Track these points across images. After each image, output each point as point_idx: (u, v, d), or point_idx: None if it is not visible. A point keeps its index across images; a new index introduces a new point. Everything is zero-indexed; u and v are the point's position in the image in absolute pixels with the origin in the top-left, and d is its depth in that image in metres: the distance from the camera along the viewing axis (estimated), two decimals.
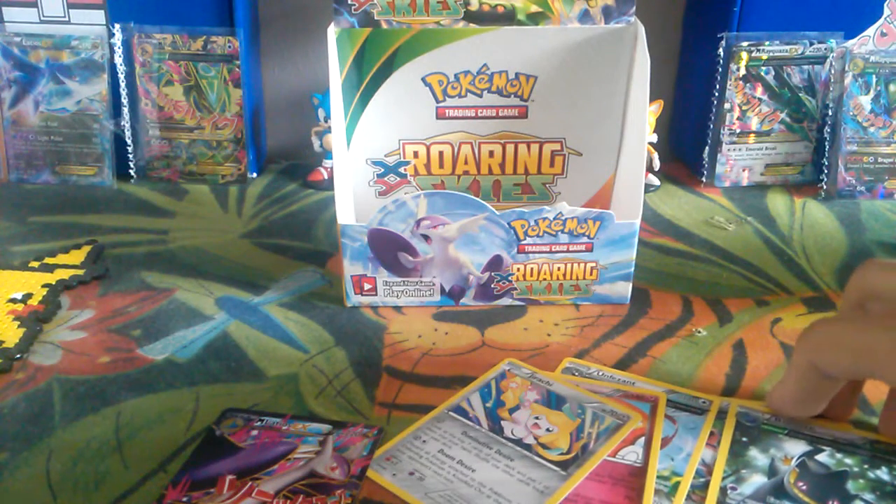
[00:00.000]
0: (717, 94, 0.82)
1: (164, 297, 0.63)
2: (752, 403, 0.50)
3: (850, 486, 0.43)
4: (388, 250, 0.59)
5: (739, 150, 0.84)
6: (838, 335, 0.41)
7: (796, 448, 0.46)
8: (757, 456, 0.45)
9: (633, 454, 0.45)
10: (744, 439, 0.46)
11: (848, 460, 0.45)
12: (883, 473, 0.44)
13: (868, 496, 0.42)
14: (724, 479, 0.43)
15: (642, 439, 0.47)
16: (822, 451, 0.45)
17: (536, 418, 0.48)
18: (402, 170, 0.70)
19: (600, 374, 0.53)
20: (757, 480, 0.43)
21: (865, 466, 0.44)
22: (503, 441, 0.46)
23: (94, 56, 0.81)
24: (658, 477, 0.43)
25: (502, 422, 0.48)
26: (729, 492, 0.43)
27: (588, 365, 0.54)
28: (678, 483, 0.43)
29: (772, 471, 0.44)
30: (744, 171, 0.85)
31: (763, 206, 0.81)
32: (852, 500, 0.42)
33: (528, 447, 0.46)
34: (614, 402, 0.49)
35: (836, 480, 0.43)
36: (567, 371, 0.54)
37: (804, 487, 0.43)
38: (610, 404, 0.49)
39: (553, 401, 0.50)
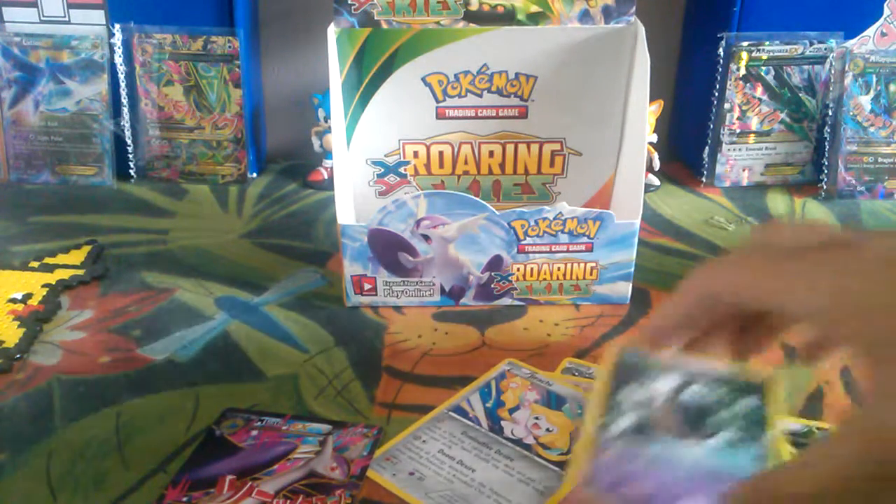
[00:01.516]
0: (717, 94, 0.82)
1: (164, 297, 0.63)
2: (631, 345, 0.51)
3: (717, 417, 0.44)
4: (388, 250, 0.59)
5: (739, 150, 0.84)
6: (753, 258, 0.37)
7: (667, 384, 0.46)
8: (629, 395, 0.45)
9: None
10: (617, 379, 0.47)
11: (714, 393, 0.45)
12: (750, 402, 0.44)
13: (734, 425, 0.43)
14: (597, 419, 0.44)
15: None
16: (691, 384, 0.46)
17: (536, 418, 0.48)
18: (402, 170, 0.70)
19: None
20: (629, 419, 0.44)
21: (731, 398, 0.45)
22: (503, 441, 0.46)
23: (94, 56, 0.81)
24: None
25: (502, 422, 0.48)
26: (601, 432, 0.43)
27: (588, 364, 0.54)
28: None
29: (642, 407, 0.44)
30: (744, 171, 0.85)
31: (763, 206, 0.81)
32: (720, 430, 0.43)
33: (528, 447, 0.46)
34: None
35: (704, 413, 0.44)
36: (567, 371, 0.54)
37: (674, 422, 0.43)
38: None
39: (553, 401, 0.50)
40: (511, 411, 0.49)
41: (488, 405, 0.49)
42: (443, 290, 0.61)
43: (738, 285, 0.35)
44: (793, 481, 0.28)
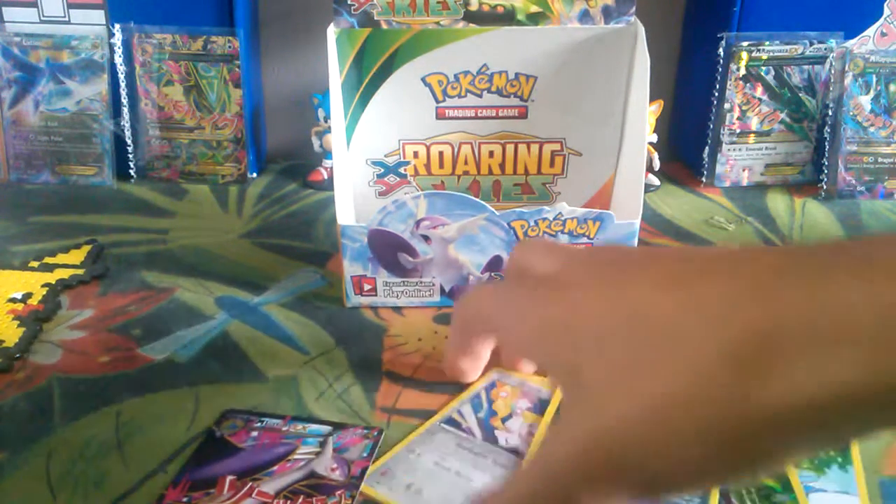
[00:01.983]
0: (717, 94, 0.82)
1: (164, 296, 0.63)
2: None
3: None
4: (388, 250, 0.59)
5: (739, 150, 0.84)
6: (479, 292, 0.39)
7: None
8: None
9: None
10: None
11: None
12: None
13: None
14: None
15: None
16: None
17: (530, 426, 0.48)
18: (402, 170, 0.70)
19: None
20: None
21: None
22: (499, 450, 0.46)
23: (94, 56, 0.81)
24: None
25: (496, 431, 0.48)
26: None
27: None
28: None
29: None
30: (744, 171, 0.85)
31: (763, 206, 0.81)
32: None
33: (523, 456, 0.46)
34: None
35: None
36: None
37: None
38: None
39: (545, 408, 0.50)
40: (504, 420, 0.49)
41: (480, 415, 0.49)
42: (443, 291, 0.61)
43: (475, 313, 0.38)
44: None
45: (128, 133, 0.83)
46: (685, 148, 0.91)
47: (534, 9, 0.64)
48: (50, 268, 0.66)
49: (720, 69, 0.81)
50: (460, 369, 0.47)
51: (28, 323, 0.58)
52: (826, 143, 0.83)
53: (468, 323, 0.40)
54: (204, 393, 0.52)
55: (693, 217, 0.78)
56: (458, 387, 0.52)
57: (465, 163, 0.70)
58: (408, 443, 0.47)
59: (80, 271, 0.66)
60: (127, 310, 0.61)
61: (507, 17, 0.64)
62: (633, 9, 0.64)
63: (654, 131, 0.84)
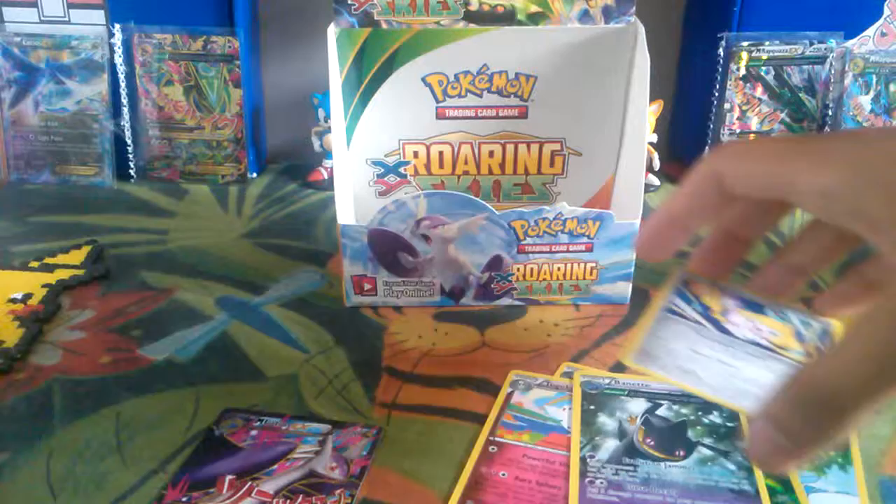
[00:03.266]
0: (717, 94, 0.82)
1: (164, 297, 0.63)
2: (593, 371, 0.53)
3: (691, 433, 0.46)
4: (388, 250, 0.59)
5: None
6: (761, 144, 0.33)
7: (638, 406, 0.49)
8: (606, 421, 0.48)
9: None
10: (591, 407, 0.49)
11: (684, 410, 0.48)
12: (715, 417, 0.47)
13: (707, 440, 0.46)
14: (581, 448, 0.46)
15: None
16: (661, 405, 0.49)
17: (754, 323, 0.43)
18: (402, 170, 0.70)
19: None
20: (610, 445, 0.46)
21: (699, 413, 0.48)
22: (743, 342, 0.40)
23: (94, 56, 0.81)
24: None
25: (724, 325, 0.43)
26: (588, 460, 0.45)
27: (582, 368, 0.54)
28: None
29: (621, 433, 0.47)
30: None
31: None
32: (695, 447, 0.45)
33: (769, 349, 0.41)
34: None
35: (678, 431, 0.47)
36: (566, 375, 0.53)
37: (652, 443, 0.46)
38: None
39: (754, 305, 0.45)
40: (723, 314, 0.44)
41: (697, 308, 0.43)
42: (443, 291, 0.61)
43: (745, 171, 0.32)
44: (840, 365, 0.26)
45: (128, 133, 0.83)
46: (685, 148, 0.91)
47: (534, 9, 0.64)
48: (50, 268, 0.66)
49: (720, 69, 0.81)
50: (666, 241, 0.37)
51: (28, 323, 0.58)
52: None
53: (734, 173, 0.33)
54: (204, 393, 0.52)
55: None
56: (459, 383, 0.52)
57: (465, 163, 0.70)
58: (649, 329, 0.40)
59: (80, 272, 0.66)
60: (127, 310, 0.61)
61: (507, 17, 0.64)
62: (633, 9, 0.64)
63: (654, 131, 0.84)
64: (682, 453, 0.45)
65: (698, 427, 0.47)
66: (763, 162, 0.31)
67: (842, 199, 0.28)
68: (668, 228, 0.36)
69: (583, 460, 0.45)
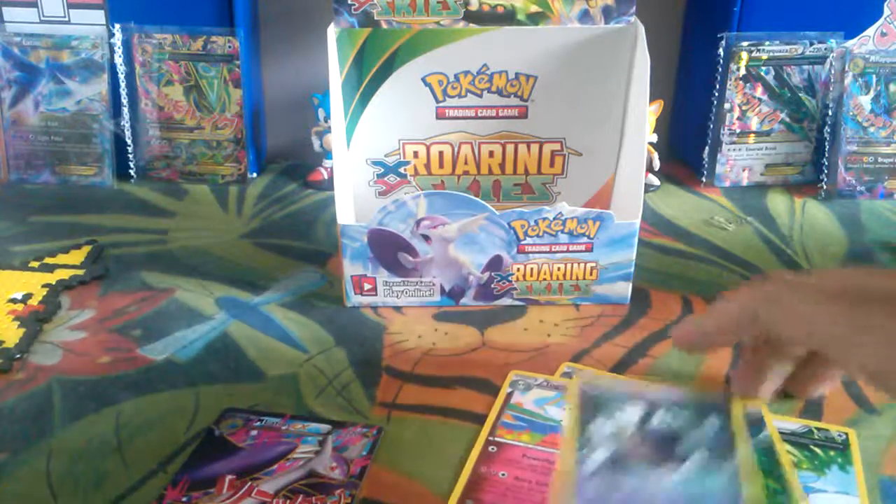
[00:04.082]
0: (717, 94, 0.82)
1: (164, 297, 0.63)
2: (590, 375, 0.52)
3: (686, 442, 0.45)
4: (388, 250, 0.59)
5: (739, 150, 0.84)
6: (800, 300, 0.39)
7: (633, 413, 0.47)
8: (599, 429, 0.46)
9: None
10: (586, 412, 0.47)
11: (678, 420, 0.46)
12: (710, 428, 0.46)
13: (700, 451, 0.44)
14: (577, 451, 0.44)
15: None
16: (657, 412, 0.47)
17: None
18: (402, 170, 0.70)
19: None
20: (600, 454, 0.44)
21: (697, 420, 0.46)
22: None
23: (94, 56, 0.81)
24: None
25: None
26: (577, 469, 0.43)
27: (586, 369, 0.54)
28: None
29: (613, 441, 0.45)
30: (744, 171, 0.85)
31: (763, 206, 0.81)
32: (688, 457, 0.44)
33: None
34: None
35: (671, 441, 0.45)
36: (566, 375, 0.53)
37: (644, 452, 0.44)
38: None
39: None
40: None
41: None
42: (443, 291, 0.61)
43: (791, 322, 0.38)
44: None
45: (128, 133, 0.83)
46: (685, 148, 0.91)
47: (534, 9, 0.64)
48: (50, 268, 0.66)
49: (720, 69, 0.81)
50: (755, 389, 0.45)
51: (28, 323, 0.58)
52: (826, 143, 0.83)
53: (754, 317, 0.40)
54: (204, 393, 0.52)
55: (693, 217, 0.78)
56: (459, 383, 0.52)
57: (465, 163, 0.70)
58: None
59: (80, 272, 0.66)
60: (127, 310, 0.61)
61: (507, 17, 0.64)
62: (633, 9, 0.64)
63: (654, 131, 0.84)
64: (673, 464, 0.44)
65: (692, 437, 0.45)
66: (804, 323, 0.38)
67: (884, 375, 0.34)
68: (701, 338, 0.45)
69: (576, 465, 0.44)
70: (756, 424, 0.49)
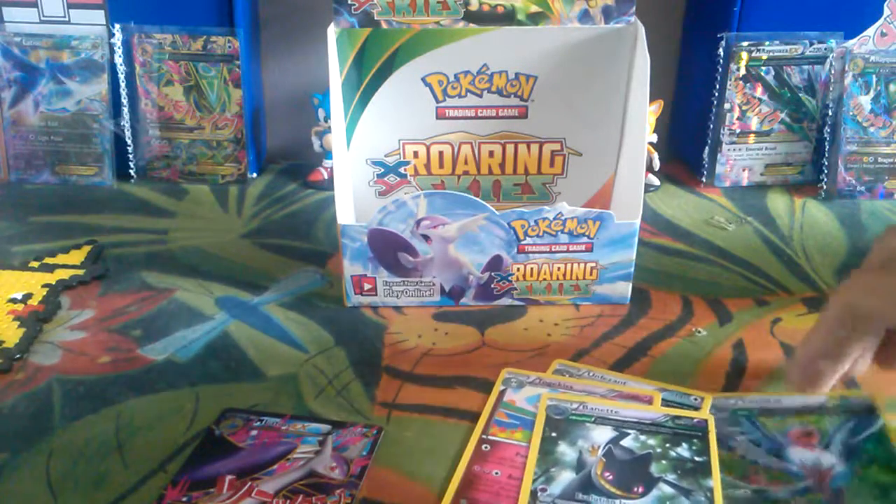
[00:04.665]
0: (717, 94, 0.82)
1: (164, 297, 0.63)
2: (562, 396, 0.50)
3: (654, 468, 0.43)
4: (388, 250, 0.59)
5: (739, 150, 0.84)
6: (885, 281, 0.43)
7: (602, 436, 0.46)
8: (566, 451, 0.45)
9: None
10: (553, 434, 0.46)
11: (651, 441, 0.45)
12: (683, 451, 0.44)
13: (670, 476, 0.43)
14: (534, 480, 0.43)
15: None
16: (627, 434, 0.46)
17: None
18: (402, 170, 0.70)
19: (591, 374, 0.53)
20: (566, 477, 0.43)
21: (667, 445, 0.45)
22: None
23: (94, 56, 0.81)
24: None
25: None
26: (539, 494, 0.42)
27: (578, 366, 0.54)
28: None
29: (580, 464, 0.44)
30: (744, 171, 0.85)
31: (763, 206, 0.81)
32: (656, 483, 0.42)
33: None
34: (614, 403, 0.49)
35: (640, 465, 0.44)
36: (558, 373, 0.53)
37: (610, 478, 0.43)
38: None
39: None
40: None
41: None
42: (443, 290, 0.61)
43: (883, 310, 0.42)
44: None
45: (128, 133, 0.83)
46: (685, 148, 0.91)
47: (534, 9, 0.64)
48: (50, 268, 0.66)
49: (720, 69, 0.81)
50: (827, 366, 0.45)
51: (28, 323, 0.58)
52: (826, 143, 0.83)
53: (865, 309, 0.43)
54: (204, 393, 0.52)
55: (693, 217, 0.78)
56: (459, 383, 0.52)
57: (465, 163, 0.70)
58: None
59: (80, 271, 0.66)
60: (127, 310, 0.61)
61: (507, 17, 0.64)
62: (633, 9, 0.64)
63: (654, 131, 0.84)
64: (640, 489, 0.42)
65: (663, 461, 0.44)
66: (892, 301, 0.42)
67: None
68: (812, 364, 0.45)
69: (533, 494, 0.42)
70: (870, 413, 0.48)
